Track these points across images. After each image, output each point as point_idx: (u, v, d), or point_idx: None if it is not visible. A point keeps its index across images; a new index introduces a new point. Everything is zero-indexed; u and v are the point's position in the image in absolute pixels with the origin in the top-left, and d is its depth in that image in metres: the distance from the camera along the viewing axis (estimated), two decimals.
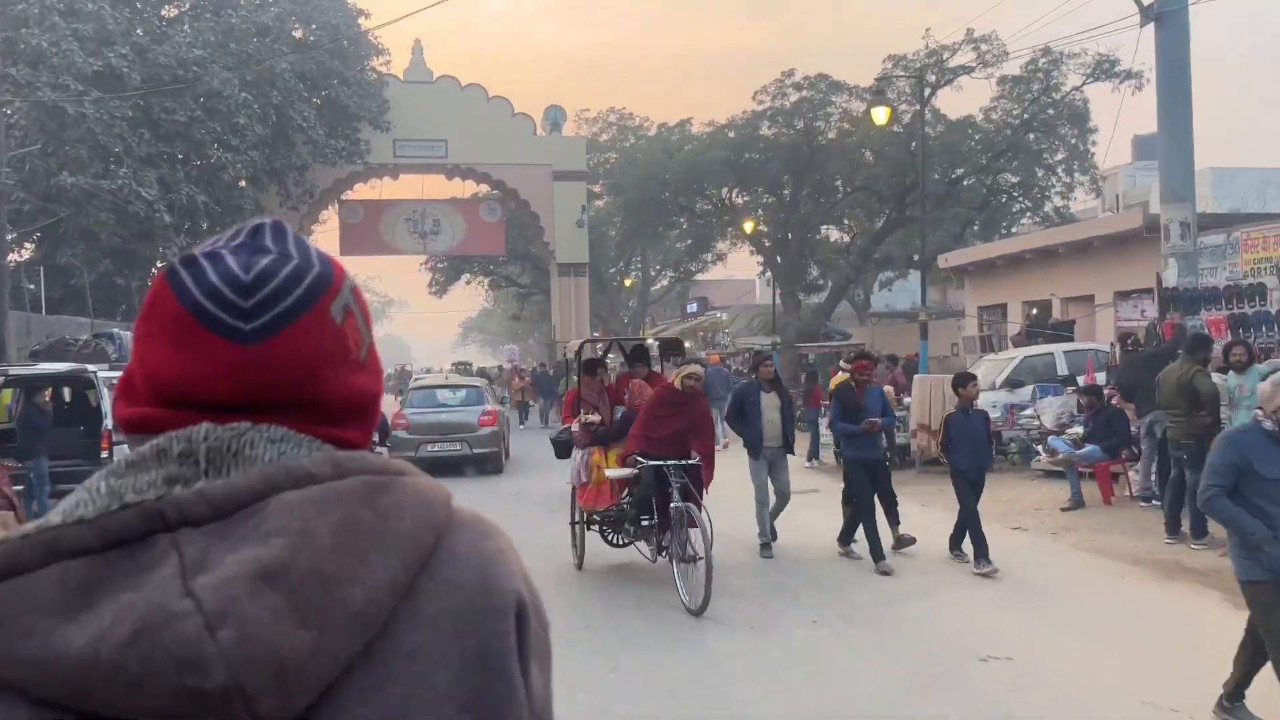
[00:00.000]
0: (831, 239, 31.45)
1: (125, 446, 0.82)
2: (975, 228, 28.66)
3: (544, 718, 0.85)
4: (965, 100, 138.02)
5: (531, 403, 23.08)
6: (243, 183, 25.75)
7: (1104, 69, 24.16)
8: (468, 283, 51.22)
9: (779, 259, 29.92)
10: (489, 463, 15.62)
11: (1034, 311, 19.83)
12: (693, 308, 56.37)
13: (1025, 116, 25.41)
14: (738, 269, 71.63)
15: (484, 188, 37.64)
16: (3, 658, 0.66)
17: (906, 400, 13.74)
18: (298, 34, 28.03)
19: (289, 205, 29.12)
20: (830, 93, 27.65)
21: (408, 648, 0.75)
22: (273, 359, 0.79)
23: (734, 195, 30.17)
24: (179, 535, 0.71)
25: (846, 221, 28.75)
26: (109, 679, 0.65)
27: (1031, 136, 25.44)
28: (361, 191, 37.90)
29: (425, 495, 0.81)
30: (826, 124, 28.37)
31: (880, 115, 17.55)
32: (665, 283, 51.92)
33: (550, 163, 35.81)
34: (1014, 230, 29.15)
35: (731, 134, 29.31)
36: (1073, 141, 25.23)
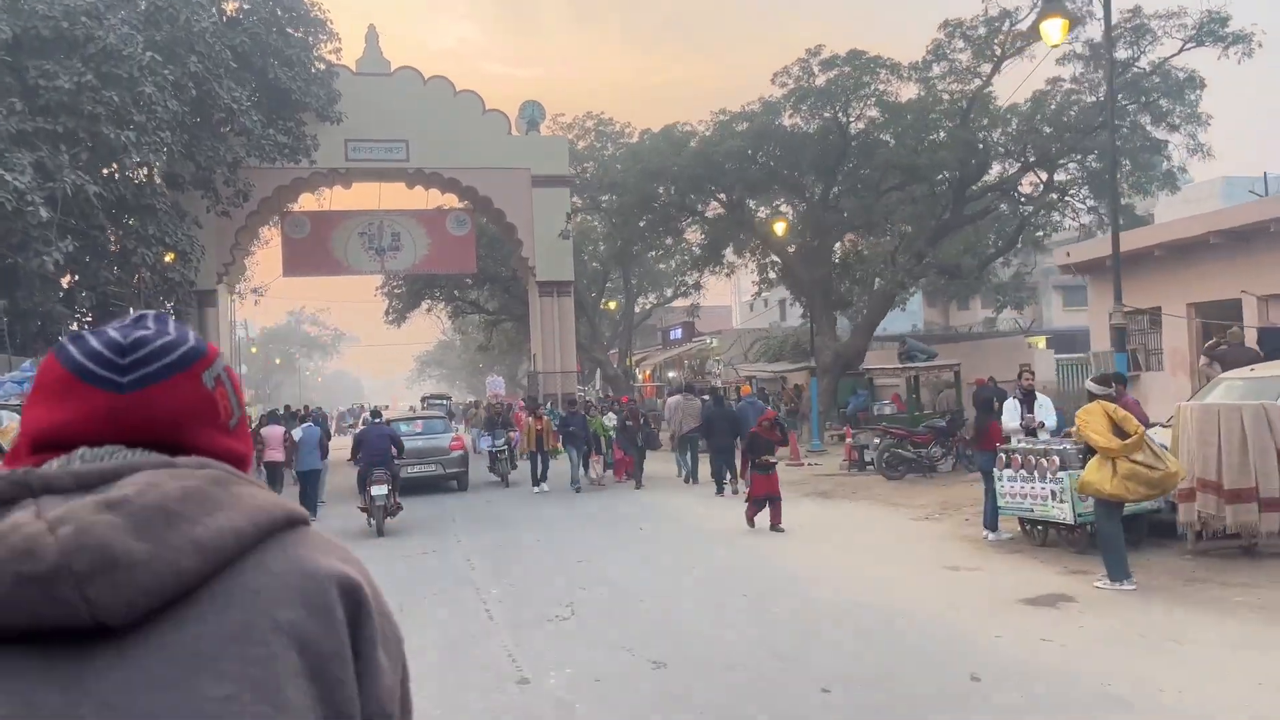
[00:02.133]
0: (860, 247, 26.97)
1: None
2: (1043, 230, 24.30)
3: (390, 702, 0.93)
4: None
5: (556, 450, 17.46)
6: (154, 175, 20.61)
7: (1210, 31, 20.05)
8: (428, 310, 46.12)
9: (801, 270, 25.34)
10: (458, 481, 18.05)
11: (1199, 317, 15.33)
12: (676, 334, 51.77)
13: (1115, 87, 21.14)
14: (713, 295, 67.51)
15: (451, 198, 32.78)
16: None
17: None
18: (228, 4, 22.98)
19: (217, 209, 23.96)
20: (867, 71, 23.28)
21: (254, 586, 0.85)
22: (145, 405, 0.90)
23: (748, 196, 25.54)
24: (41, 499, 0.82)
25: (892, 224, 24.25)
26: None
27: (1132, 109, 21.19)
28: (308, 203, 32.92)
29: (281, 499, 0.94)
30: (863, 108, 23.98)
31: (1054, 30, 12.64)
32: (650, 303, 47.19)
33: (528, 166, 31.10)
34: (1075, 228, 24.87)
35: (744, 125, 24.78)
36: (1175, 120, 21.00)
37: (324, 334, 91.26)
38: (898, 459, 15.16)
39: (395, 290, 42.79)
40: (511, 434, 18.60)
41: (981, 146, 22.25)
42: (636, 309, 46.85)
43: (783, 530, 10.90)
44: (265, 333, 76.56)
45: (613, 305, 40.67)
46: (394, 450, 12.96)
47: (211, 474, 0.89)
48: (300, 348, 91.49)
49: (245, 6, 23.30)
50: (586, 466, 17.08)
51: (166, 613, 0.81)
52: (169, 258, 21.34)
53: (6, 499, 0.83)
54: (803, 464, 20.18)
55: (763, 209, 27.16)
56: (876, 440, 15.11)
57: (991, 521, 9.94)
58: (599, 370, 43.10)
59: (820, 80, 23.82)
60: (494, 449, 18.70)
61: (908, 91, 24.20)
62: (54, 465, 0.87)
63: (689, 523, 12.53)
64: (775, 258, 26.35)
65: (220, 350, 0.99)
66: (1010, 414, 9.86)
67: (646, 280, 46.37)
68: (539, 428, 16.86)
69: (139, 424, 0.90)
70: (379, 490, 12.37)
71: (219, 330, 29.66)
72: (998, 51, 21.78)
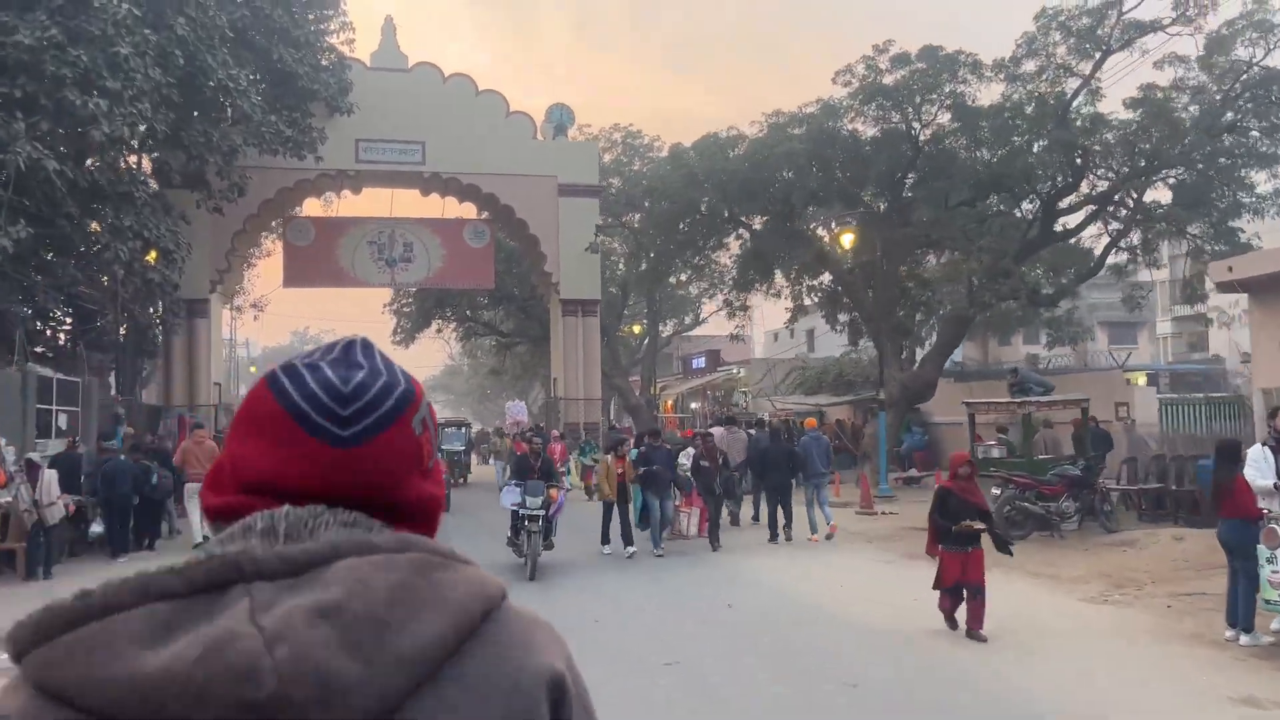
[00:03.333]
0: (927, 268, 24.22)
1: None
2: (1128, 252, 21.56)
3: None
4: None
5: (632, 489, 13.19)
6: (131, 156, 17.97)
7: None
8: (438, 331, 43.42)
9: (862, 291, 22.60)
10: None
11: None
12: (699, 363, 48.98)
13: (1237, 89, 18.52)
14: (726, 323, 64.65)
15: (469, 207, 30.18)
16: (90, 680, 0.75)
17: None
18: None
19: (208, 204, 21.29)
20: (946, 68, 20.67)
21: (452, 700, 0.83)
22: (363, 463, 0.90)
23: (805, 206, 22.85)
24: (253, 586, 0.80)
25: (972, 241, 21.52)
26: (178, 693, 0.73)
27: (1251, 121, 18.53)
28: (313, 208, 30.33)
29: (479, 578, 0.90)
30: (936, 111, 21.36)
31: None
32: (669, 330, 44.41)
33: (555, 174, 28.49)
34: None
35: (799, 130, 22.15)
36: None
37: None
38: (1023, 514, 12.29)
39: (404, 308, 40.15)
40: (555, 490, 11.95)
41: (1079, 157, 19.56)
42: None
43: (984, 639, 7.60)
44: (267, 352, 73.87)
45: (636, 329, 37.83)
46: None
47: (415, 560, 0.86)
48: None
49: None
50: (663, 521, 13.12)
51: None
52: (150, 256, 18.63)
53: (220, 583, 0.81)
54: (876, 512, 17.33)
55: (816, 224, 24.48)
56: (996, 491, 12.24)
57: (1245, 618, 7.08)
58: (615, 398, 40.29)
59: (889, 79, 21.24)
60: (526, 510, 11.37)
61: (988, 93, 21.65)
62: (259, 525, 0.87)
63: (837, 616, 8.81)
64: (829, 277, 23.62)
65: (423, 388, 0.97)
66: (1259, 467, 7.05)
67: (666, 305, 43.65)
68: (620, 471, 13.34)
69: (352, 480, 0.90)
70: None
71: (210, 345, 26.94)
72: (1100, 47, 19.16)
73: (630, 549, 12.83)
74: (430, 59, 29.89)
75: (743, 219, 23.21)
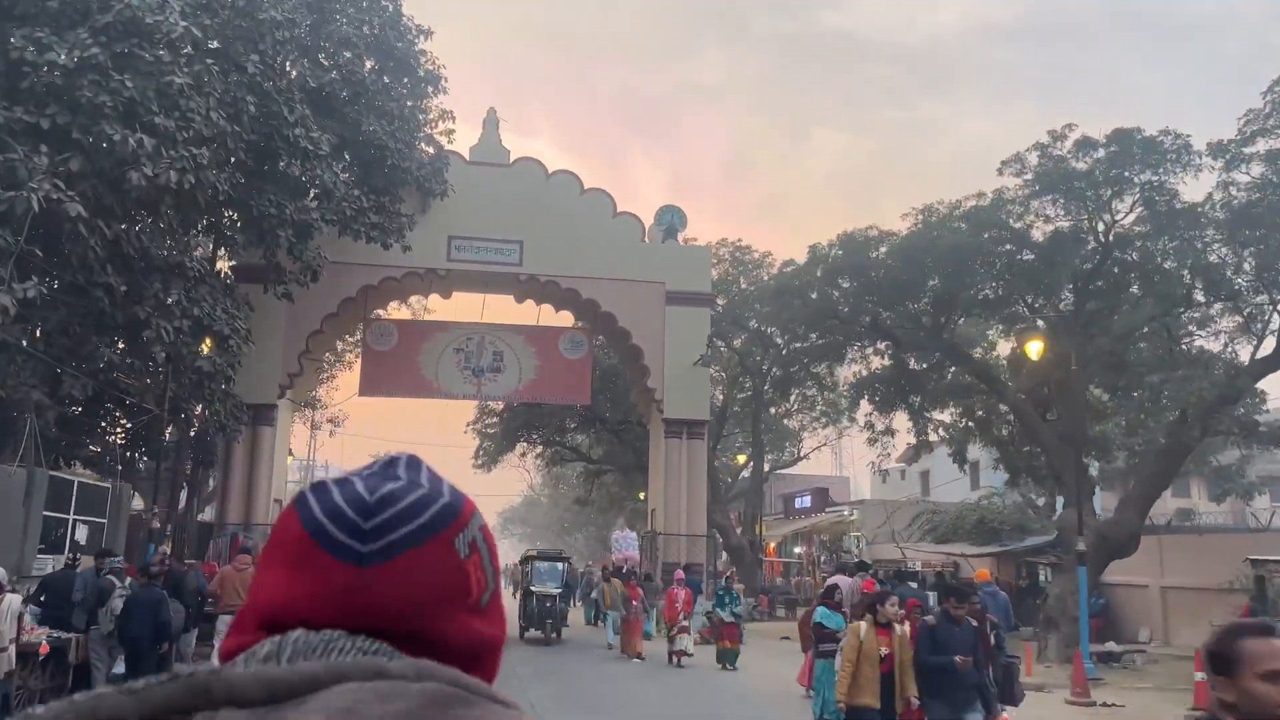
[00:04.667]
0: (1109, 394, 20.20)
1: None
2: None
3: None
4: None
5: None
6: (203, 247, 15.46)
7: None
8: (523, 455, 40.30)
9: (1049, 416, 18.65)
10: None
11: None
12: (803, 502, 44.66)
13: None
14: (819, 464, 59.65)
15: (565, 316, 27.39)
16: None
17: None
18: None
19: (277, 288, 18.68)
20: (1150, 151, 17.26)
21: None
22: (386, 585, 0.73)
23: (972, 312, 19.31)
24: (220, 714, 0.65)
25: (1188, 351, 17.60)
26: None
27: None
28: (395, 312, 27.87)
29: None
30: (1133, 204, 17.86)
31: None
32: (766, 465, 40.35)
33: (663, 280, 25.61)
34: None
35: (963, 224, 18.84)
36: None
37: None
38: None
39: (488, 428, 37.25)
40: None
41: None
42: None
43: None
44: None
45: (741, 459, 34.04)
46: None
47: (430, 692, 0.68)
48: None
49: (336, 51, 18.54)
50: None
51: None
52: (205, 346, 15.94)
53: (182, 709, 0.66)
54: (1094, 702, 13.02)
55: (978, 340, 20.86)
56: None
57: None
58: (712, 535, 36.32)
59: (1076, 165, 17.90)
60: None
61: (1197, 186, 18.09)
62: (262, 651, 0.71)
63: None
64: (998, 402, 19.75)
65: (475, 507, 0.80)
66: None
67: (765, 437, 39.92)
68: (886, 650, 7.35)
69: (372, 607, 0.73)
70: None
71: (274, 456, 24.13)
72: None
73: None
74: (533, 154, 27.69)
75: (889, 321, 19.66)
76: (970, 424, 23.37)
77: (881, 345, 20.80)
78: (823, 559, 39.66)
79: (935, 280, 19.00)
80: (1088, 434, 18.16)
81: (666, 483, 25.18)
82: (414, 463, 0.80)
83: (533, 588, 19.33)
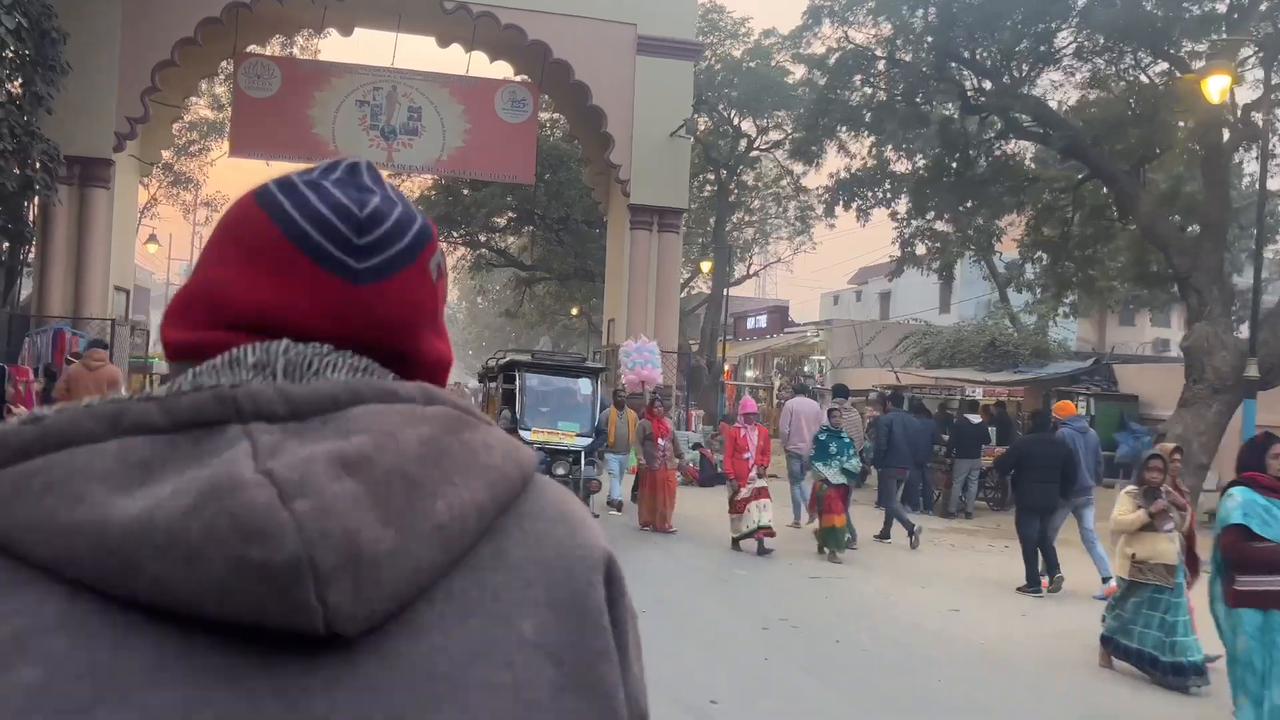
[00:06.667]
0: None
1: None
2: None
3: (644, 695, 0.76)
4: None
5: None
6: None
7: None
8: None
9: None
10: None
11: None
12: (757, 323, 40.20)
13: None
14: (763, 286, 54.67)
15: (503, 67, 21.26)
16: (45, 527, 0.57)
17: None
18: None
19: None
20: None
21: (491, 586, 0.68)
22: (379, 303, 0.72)
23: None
24: (252, 426, 0.63)
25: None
26: (163, 549, 0.57)
27: None
28: (276, 48, 21.31)
29: (513, 442, 0.75)
30: None
31: None
32: (745, 268, 35.36)
33: (634, 21, 19.61)
34: None
35: None
36: None
37: None
38: None
39: None
40: None
41: None
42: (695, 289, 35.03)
43: None
44: None
45: (706, 267, 28.98)
46: None
47: (444, 415, 0.69)
48: None
49: None
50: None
51: (402, 615, 0.63)
52: None
53: (209, 420, 0.62)
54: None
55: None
56: None
57: None
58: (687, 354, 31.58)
59: None
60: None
61: None
62: (250, 359, 0.67)
63: None
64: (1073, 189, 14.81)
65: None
66: None
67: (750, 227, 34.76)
68: None
69: (366, 323, 0.71)
70: None
71: (111, 230, 18.05)
72: None
73: None
74: None
75: (981, 58, 14.29)
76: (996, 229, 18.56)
77: (951, 106, 15.49)
78: (779, 384, 35.63)
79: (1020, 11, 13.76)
80: (1229, 222, 13.46)
81: (630, 286, 19.99)
82: (375, 172, 0.76)
83: (528, 433, 10.51)
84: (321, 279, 0.69)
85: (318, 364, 0.69)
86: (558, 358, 12.18)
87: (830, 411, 10.39)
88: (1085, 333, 39.09)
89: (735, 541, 9.82)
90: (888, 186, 22.76)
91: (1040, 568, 9.17)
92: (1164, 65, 14.89)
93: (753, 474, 9.43)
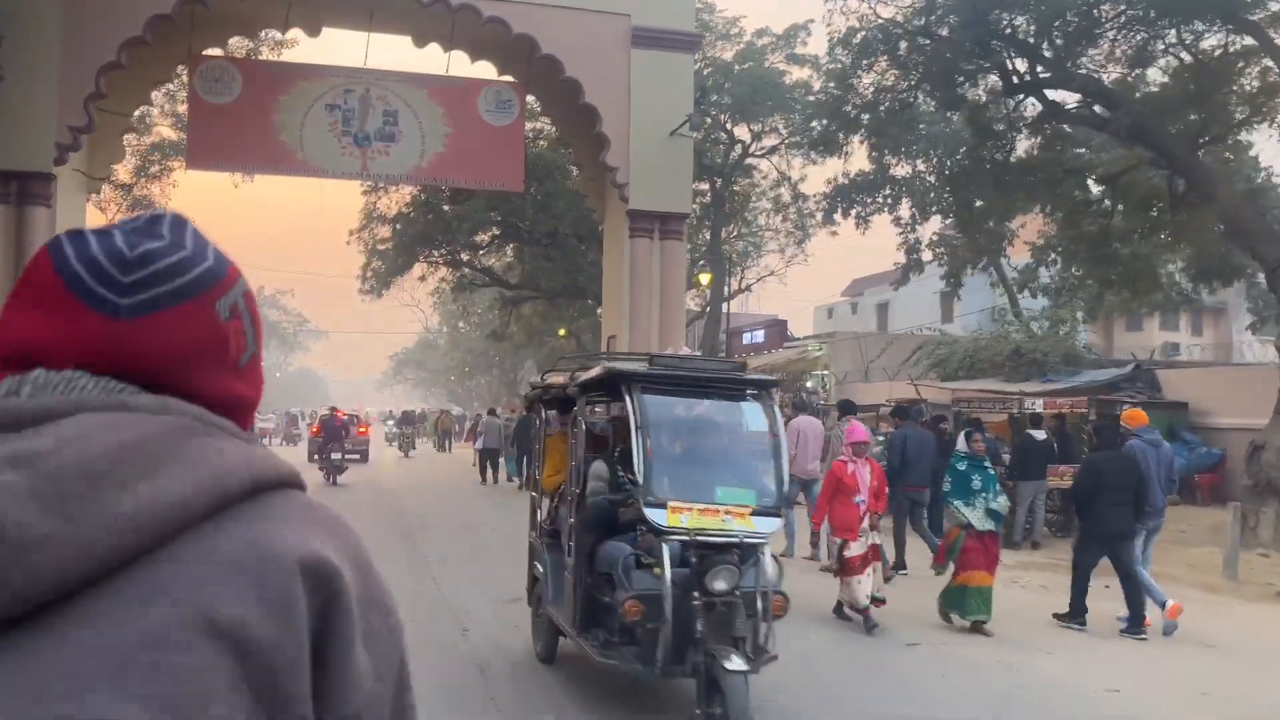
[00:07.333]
0: None
1: None
2: None
3: (373, 712, 0.77)
4: None
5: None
6: None
7: None
8: (422, 278, 32.53)
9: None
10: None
11: None
12: (754, 337, 38.60)
13: None
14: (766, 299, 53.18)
15: (486, 67, 19.60)
16: None
17: None
18: None
19: None
20: None
21: (191, 576, 0.70)
22: (141, 339, 0.76)
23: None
24: None
25: None
26: None
27: None
28: (239, 52, 19.56)
29: (260, 455, 0.78)
30: None
31: None
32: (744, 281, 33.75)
33: (627, 12, 18.03)
34: None
35: None
36: None
37: (285, 321, 77.12)
38: None
39: (380, 245, 29.46)
40: None
41: None
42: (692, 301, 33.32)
43: None
44: None
45: (705, 279, 27.35)
46: None
47: (171, 422, 0.74)
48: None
49: None
50: None
51: (80, 601, 0.67)
52: None
53: None
54: None
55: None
56: None
57: None
58: None
59: None
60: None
61: None
62: (3, 390, 0.74)
63: None
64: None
65: (241, 274, 0.82)
66: None
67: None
68: None
69: (131, 358, 0.76)
70: None
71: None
72: None
73: None
74: None
75: (1007, 45, 12.76)
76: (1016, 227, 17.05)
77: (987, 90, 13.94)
78: (780, 402, 33.97)
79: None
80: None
81: (633, 299, 18.29)
82: (179, 222, 0.80)
83: (661, 514, 5.08)
84: (84, 314, 0.74)
85: (64, 386, 0.73)
86: (696, 366, 5.98)
87: (968, 435, 8.18)
88: (1090, 339, 37.72)
89: (840, 608, 7.84)
90: (887, 192, 21.35)
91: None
92: (1217, 38, 13.48)
93: (864, 523, 7.37)
